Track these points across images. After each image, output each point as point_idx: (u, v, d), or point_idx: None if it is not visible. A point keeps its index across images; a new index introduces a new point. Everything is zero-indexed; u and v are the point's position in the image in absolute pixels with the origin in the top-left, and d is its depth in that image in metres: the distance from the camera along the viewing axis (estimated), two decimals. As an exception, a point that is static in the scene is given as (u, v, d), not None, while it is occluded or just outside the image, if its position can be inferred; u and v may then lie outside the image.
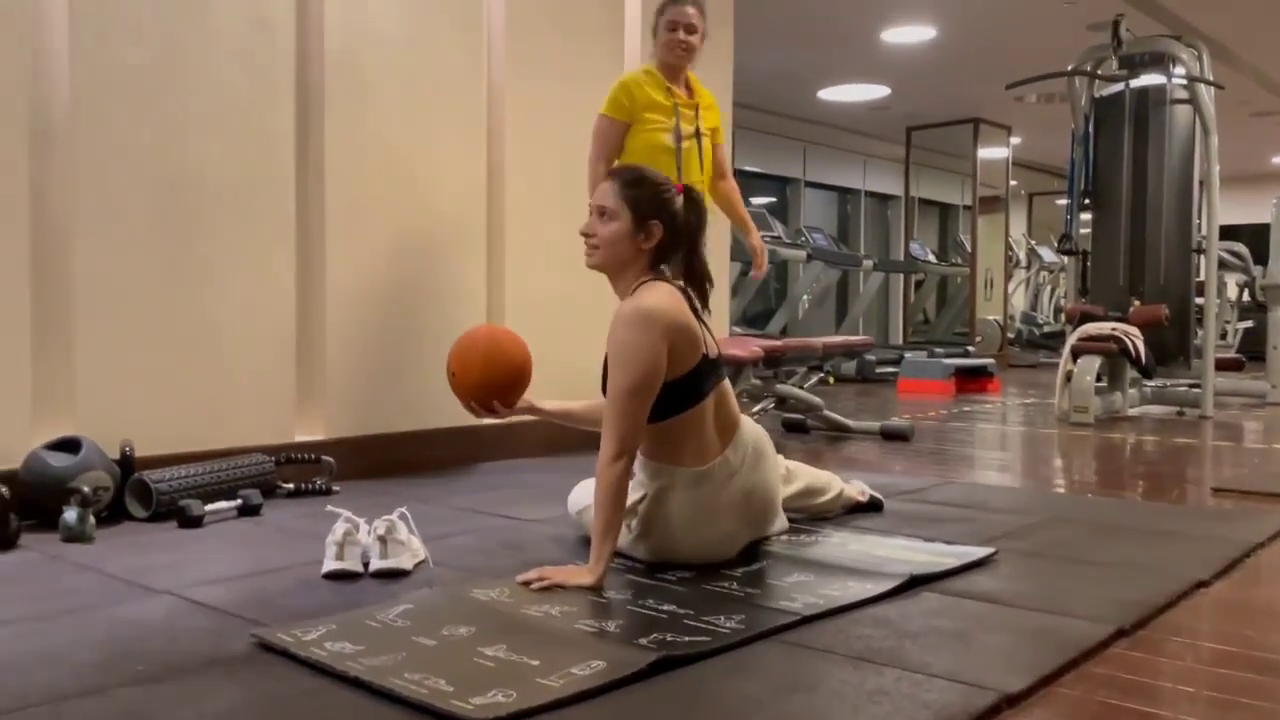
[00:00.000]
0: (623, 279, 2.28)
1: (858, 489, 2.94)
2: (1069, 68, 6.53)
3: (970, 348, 10.26)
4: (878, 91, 10.05)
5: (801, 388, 5.04)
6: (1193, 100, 6.13)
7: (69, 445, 2.74)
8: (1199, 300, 6.43)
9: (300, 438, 3.43)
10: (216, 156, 3.20)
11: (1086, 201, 6.51)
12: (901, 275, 12.06)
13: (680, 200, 2.28)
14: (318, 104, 3.47)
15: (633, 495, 2.21)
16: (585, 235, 2.29)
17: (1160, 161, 6.26)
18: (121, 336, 2.99)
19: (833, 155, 12.06)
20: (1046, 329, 12.43)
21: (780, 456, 2.63)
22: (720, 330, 4.54)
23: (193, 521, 2.70)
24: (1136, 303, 6.11)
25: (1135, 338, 5.65)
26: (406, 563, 2.21)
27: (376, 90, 3.61)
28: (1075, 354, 5.73)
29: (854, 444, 4.70)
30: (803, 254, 8.72)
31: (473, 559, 2.35)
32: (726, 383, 2.34)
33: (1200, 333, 6.31)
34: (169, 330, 3.10)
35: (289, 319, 3.41)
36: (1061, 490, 3.58)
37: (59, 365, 2.90)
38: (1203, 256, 6.25)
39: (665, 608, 1.93)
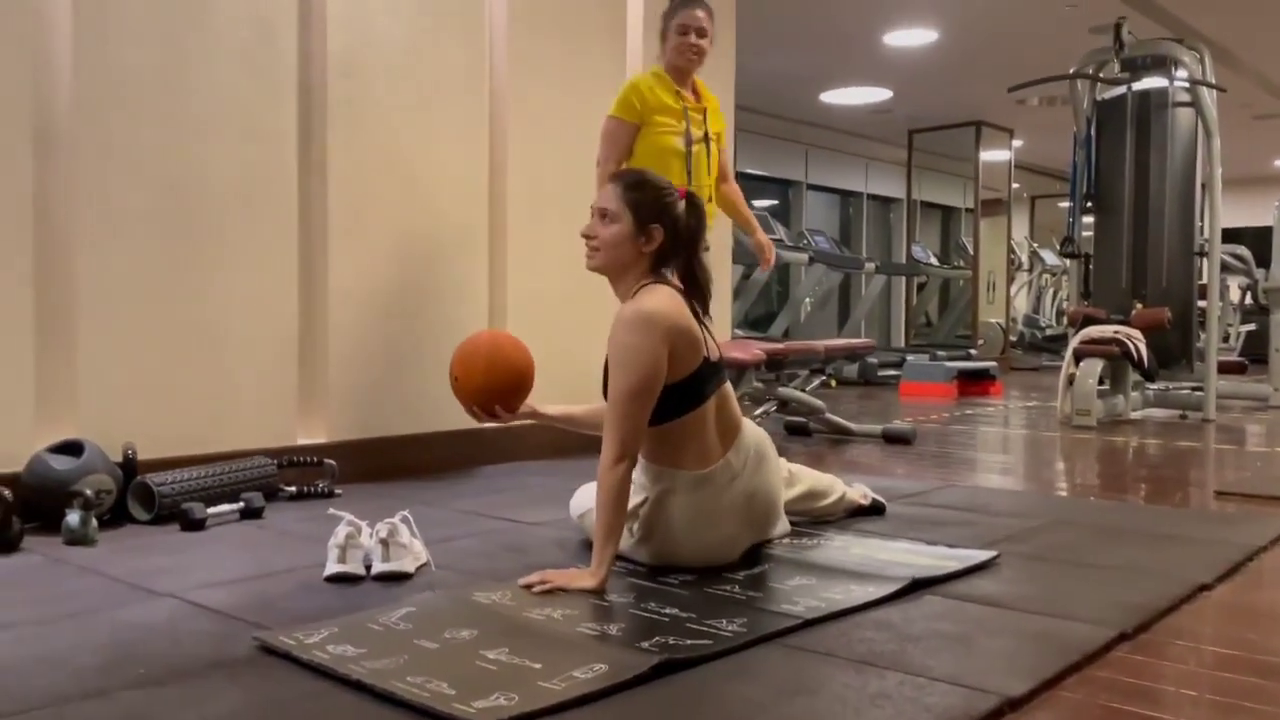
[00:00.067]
0: (623, 281, 2.28)
1: (860, 492, 2.94)
2: (1071, 70, 6.53)
3: (972, 351, 10.25)
4: (880, 94, 10.05)
5: (803, 391, 5.04)
6: (1195, 103, 6.13)
7: (71, 448, 2.74)
8: (1201, 303, 6.43)
9: (302, 441, 3.43)
10: (218, 158, 3.20)
11: (1089, 204, 6.51)
12: (903, 278, 12.06)
13: (682, 205, 2.28)
14: (320, 106, 3.48)
15: (634, 499, 2.21)
16: (586, 237, 2.29)
17: (1162, 164, 6.25)
18: (124, 339, 3.00)
19: (835, 158, 12.07)
20: (1049, 332, 12.42)
21: (782, 459, 2.63)
22: (722, 333, 4.54)
23: (195, 524, 2.70)
24: (1139, 306, 6.10)
25: (1137, 341, 5.65)
26: (408, 566, 2.21)
27: (379, 92, 3.61)
28: (1078, 357, 5.73)
29: (856, 447, 4.70)
30: (805, 257, 8.72)
31: (475, 562, 2.35)
32: (728, 386, 2.34)
33: (1203, 336, 6.30)
34: (171, 333, 3.10)
35: (291, 321, 3.41)
36: (1064, 493, 3.58)
37: (61, 368, 2.90)
38: (1205, 259, 6.24)
39: (667, 611, 1.93)
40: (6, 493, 2.47)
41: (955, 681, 1.58)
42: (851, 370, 8.53)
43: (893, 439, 4.85)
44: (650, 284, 2.24)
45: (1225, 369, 7.01)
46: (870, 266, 9.85)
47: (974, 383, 7.80)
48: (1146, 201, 6.28)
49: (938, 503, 3.18)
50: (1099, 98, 6.51)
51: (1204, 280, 6.40)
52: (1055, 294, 13.20)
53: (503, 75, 4.03)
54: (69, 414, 2.91)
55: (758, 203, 11.17)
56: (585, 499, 2.48)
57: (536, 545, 2.54)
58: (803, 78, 9.45)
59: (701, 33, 3.47)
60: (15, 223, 2.79)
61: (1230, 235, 7.15)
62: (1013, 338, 11.86)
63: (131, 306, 3.01)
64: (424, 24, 3.75)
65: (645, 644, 1.72)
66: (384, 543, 2.21)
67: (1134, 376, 5.98)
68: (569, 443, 3.95)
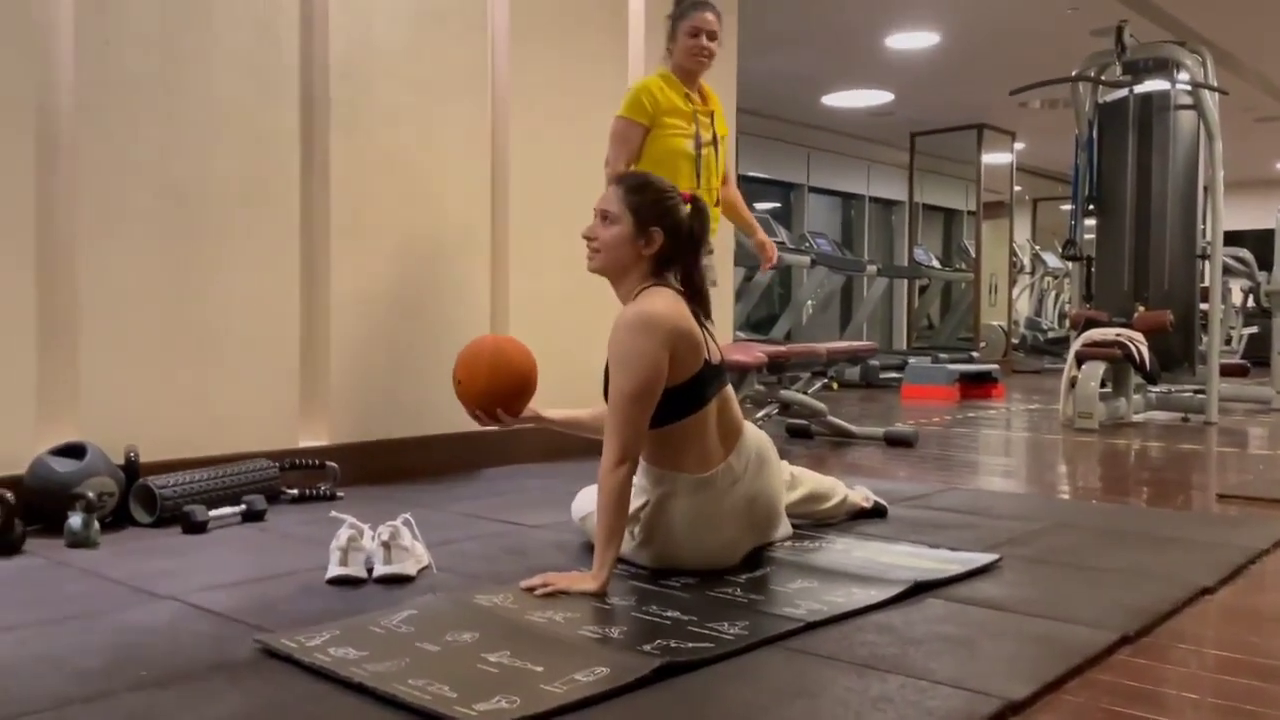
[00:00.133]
0: (624, 283, 2.29)
1: (862, 495, 2.94)
2: (1073, 73, 6.53)
3: (974, 353, 10.25)
4: (881, 97, 10.06)
5: (805, 393, 5.04)
6: (1197, 106, 6.13)
7: (74, 451, 2.74)
8: (1203, 306, 6.42)
9: (304, 443, 3.44)
10: (221, 163, 3.20)
11: (1090, 207, 6.51)
12: (905, 281, 12.05)
13: (685, 208, 2.28)
14: (322, 110, 3.48)
15: (635, 501, 2.21)
16: (587, 238, 2.29)
17: (1164, 167, 6.25)
18: (126, 342, 3.00)
19: (837, 161, 12.07)
20: (1051, 335, 12.42)
21: (784, 462, 2.63)
22: (724, 335, 4.54)
23: (197, 527, 2.70)
24: (1141, 308, 6.10)
25: (1140, 343, 5.65)
26: (410, 568, 2.21)
27: (381, 96, 3.62)
28: (1080, 360, 5.72)
29: (858, 450, 4.70)
30: (807, 259, 8.73)
31: (476, 565, 2.35)
32: (730, 389, 2.34)
33: (1205, 338, 6.30)
34: (173, 336, 3.10)
35: (293, 325, 3.41)
36: (1066, 496, 3.57)
37: (64, 371, 2.90)
38: (1207, 262, 6.24)
39: (669, 614, 1.93)
40: (9, 495, 2.47)
41: (957, 685, 1.58)
42: (853, 373, 8.53)
43: (894, 442, 4.85)
44: (652, 286, 2.24)
45: (1227, 372, 7.00)
46: (872, 269, 9.85)
47: (976, 385, 7.79)
48: (1148, 204, 6.28)
49: (939, 505, 3.18)
50: (1101, 100, 6.51)
51: (1206, 283, 6.39)
52: (1057, 297, 13.20)
53: (504, 76, 4.04)
54: (71, 416, 2.91)
55: (759, 205, 11.17)
56: (586, 502, 2.48)
57: (537, 548, 2.54)
58: (804, 80, 9.45)
59: (712, 35, 3.47)
60: (17, 225, 2.80)
61: (1232, 238, 7.15)
62: (1015, 340, 11.85)
63: (133, 309, 3.02)
64: (425, 26, 3.76)
65: (647, 647, 1.72)
66: (386, 545, 2.21)
67: (1136, 379, 5.98)
68: (569, 445, 3.95)
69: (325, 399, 3.49)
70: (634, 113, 3.44)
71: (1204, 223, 6.31)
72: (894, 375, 8.50)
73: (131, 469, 2.84)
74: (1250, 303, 10.46)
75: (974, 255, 11.35)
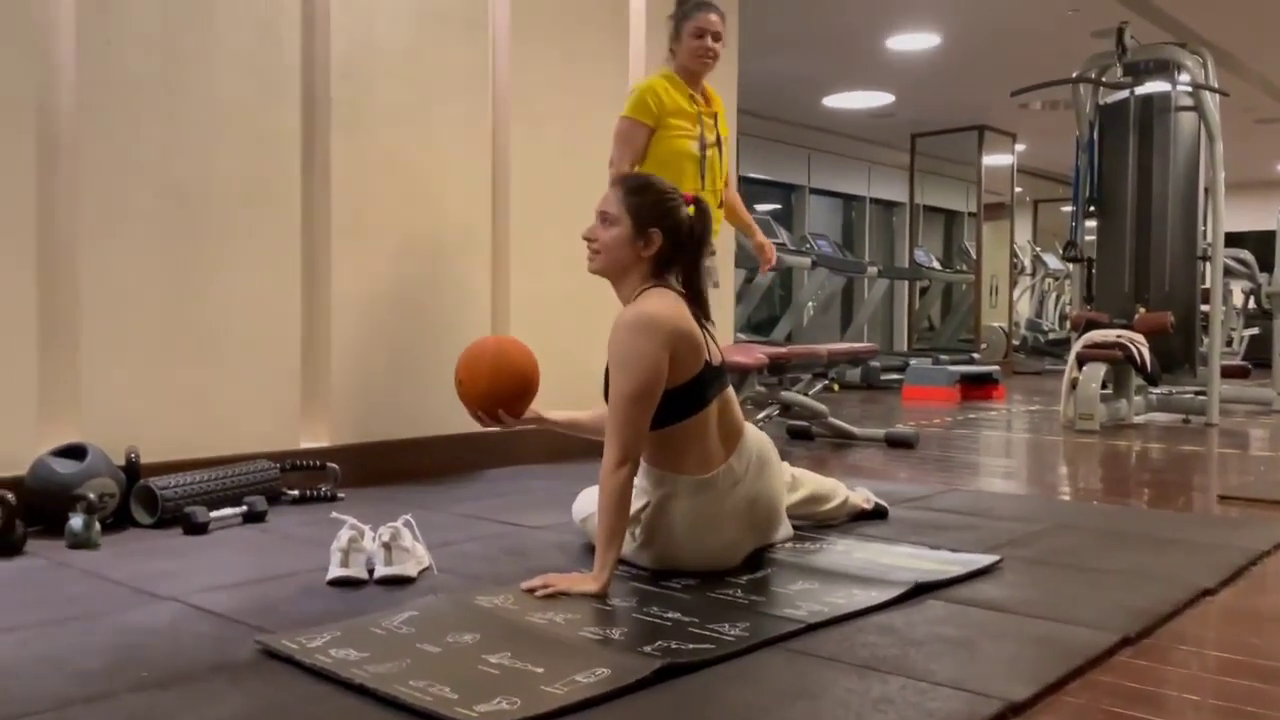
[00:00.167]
0: (625, 285, 2.29)
1: (862, 496, 2.94)
2: (1074, 75, 6.53)
3: (975, 355, 10.24)
4: (882, 98, 10.06)
5: (806, 395, 5.04)
6: (1198, 107, 6.12)
7: (75, 452, 2.74)
8: (1204, 307, 6.42)
9: (305, 444, 3.44)
10: (222, 163, 3.21)
11: (1091, 208, 6.50)
12: (906, 282, 12.04)
13: (685, 210, 2.28)
14: (324, 111, 3.48)
15: (636, 503, 2.21)
16: (587, 240, 2.30)
17: (1165, 168, 6.25)
18: (127, 343, 3.00)
19: (837, 162, 12.07)
20: (1051, 336, 12.42)
21: (785, 464, 2.64)
22: (725, 337, 4.54)
23: (198, 528, 2.70)
24: (1142, 310, 6.10)
25: (1140, 345, 5.64)
26: (411, 570, 2.21)
27: (382, 97, 3.62)
28: (1080, 361, 5.72)
29: (859, 451, 4.70)
30: (807, 261, 8.73)
31: (477, 566, 2.35)
32: (731, 390, 2.34)
33: (1205, 340, 6.29)
34: (175, 337, 3.10)
35: (294, 326, 3.42)
36: (1067, 498, 3.57)
37: (65, 371, 2.91)
38: (1208, 263, 6.24)
39: (670, 615, 1.93)
40: (9, 496, 2.47)
41: (958, 686, 1.58)
42: (854, 374, 8.53)
43: (895, 443, 4.85)
44: (652, 288, 2.25)
45: (1228, 373, 6.99)
46: (873, 270, 9.85)
47: (976, 387, 7.79)
48: (1149, 205, 6.28)
49: (940, 507, 3.18)
50: (1101, 102, 6.51)
51: (1207, 284, 6.39)
52: (1058, 298, 13.21)
53: (505, 77, 4.04)
54: (72, 417, 2.91)
55: (760, 206, 11.17)
56: (587, 503, 2.48)
57: (538, 549, 2.54)
58: (805, 81, 9.45)
59: (717, 36, 3.46)
60: (18, 225, 2.80)
61: (1233, 239, 7.15)
62: (1015, 342, 11.85)
63: (134, 309, 3.02)
64: (426, 26, 3.76)
65: (648, 648, 1.72)
66: (386, 546, 2.21)
67: (1137, 381, 5.97)
68: (570, 447, 3.94)
69: (326, 400, 3.50)
70: (639, 113, 3.42)
71: (1205, 224, 6.31)
72: (895, 377, 8.49)
73: (132, 470, 2.84)
74: (1251, 304, 10.47)
75: (975, 257, 11.35)
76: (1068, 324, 8.84)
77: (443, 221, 3.83)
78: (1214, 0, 7.12)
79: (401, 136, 3.68)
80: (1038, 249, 13.27)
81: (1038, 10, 7.27)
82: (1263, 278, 8.83)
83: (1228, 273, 7.87)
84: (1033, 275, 13.06)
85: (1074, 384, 5.70)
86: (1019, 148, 11.81)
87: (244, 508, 2.86)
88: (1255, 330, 10.16)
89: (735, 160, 4.36)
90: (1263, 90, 9.60)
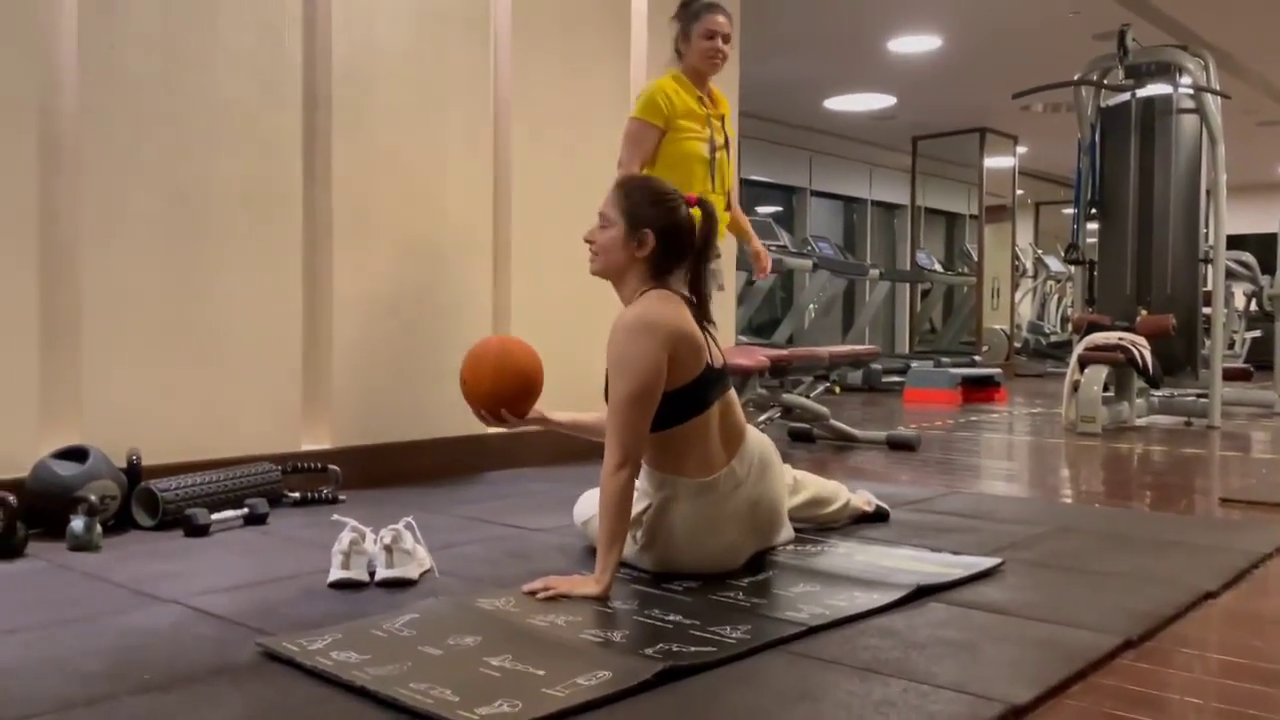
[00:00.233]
0: (625, 287, 2.29)
1: (864, 499, 2.93)
2: (1075, 77, 6.53)
3: (977, 357, 10.24)
4: (884, 101, 10.06)
5: (807, 397, 5.04)
6: (1199, 110, 6.12)
7: (76, 454, 2.74)
8: (1206, 310, 6.42)
9: (307, 447, 3.44)
10: (224, 166, 3.21)
11: (1093, 211, 6.50)
12: (908, 285, 12.05)
13: (683, 212, 2.27)
14: (325, 113, 3.49)
15: (637, 505, 2.21)
16: (587, 241, 2.30)
17: (1167, 171, 6.25)
18: (129, 345, 3.00)
19: (839, 165, 12.07)
20: (1053, 338, 12.41)
21: (787, 466, 2.63)
22: (726, 339, 4.54)
23: (199, 530, 2.70)
24: (1143, 312, 6.09)
25: (1142, 347, 5.64)
26: (412, 572, 2.21)
27: (383, 99, 3.62)
28: (1082, 364, 5.72)
29: (860, 454, 4.70)
30: (809, 263, 8.72)
31: (478, 568, 2.35)
32: (732, 393, 2.34)
33: (1207, 342, 6.29)
34: (176, 339, 3.11)
35: (296, 328, 3.42)
36: (1069, 500, 3.57)
37: (66, 373, 2.91)
38: (1210, 266, 6.23)
39: (671, 618, 1.93)
40: (11, 499, 2.47)
41: (960, 689, 1.58)
42: (856, 377, 8.52)
43: (897, 445, 4.84)
44: (652, 290, 2.24)
45: (1230, 376, 6.99)
46: (874, 273, 9.85)
47: (978, 389, 7.78)
48: (1151, 208, 6.27)
49: (942, 509, 3.18)
50: (1103, 104, 6.51)
51: (1209, 287, 6.39)
52: (1060, 300, 13.20)
53: (506, 79, 4.04)
54: (73, 420, 2.91)
55: (762, 209, 11.18)
56: (589, 505, 2.48)
57: (540, 551, 2.54)
58: (807, 84, 9.46)
59: (727, 38, 3.45)
60: (20, 227, 2.80)
61: (1234, 242, 7.15)
62: (1017, 344, 11.85)
63: (136, 312, 3.02)
64: (427, 27, 3.76)
65: (649, 650, 1.71)
66: (388, 549, 2.21)
67: (1139, 383, 5.97)
68: (572, 449, 3.94)
69: (327, 402, 3.50)
70: (649, 114, 3.39)
71: (1206, 226, 6.30)
72: (896, 379, 8.49)
73: (134, 472, 2.84)
74: (1253, 306, 10.47)
75: (976, 259, 11.35)
76: (1069, 326, 8.84)
77: (444, 223, 3.83)
78: (1215, 2, 7.12)
79: (403, 138, 3.69)
80: (1039, 251, 13.27)
81: (1039, 12, 7.28)
82: (1264, 280, 8.83)
83: (1229, 275, 7.87)
84: (1034, 278, 13.06)
85: (1076, 386, 5.69)
86: (1020, 150, 11.82)
87: (245, 510, 2.86)
88: (1257, 333, 10.15)
89: (737, 163, 4.36)
90: (1264, 93, 9.60)
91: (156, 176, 3.06)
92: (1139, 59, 6.35)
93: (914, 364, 8.70)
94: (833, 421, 5.00)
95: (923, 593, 2.13)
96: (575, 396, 2.84)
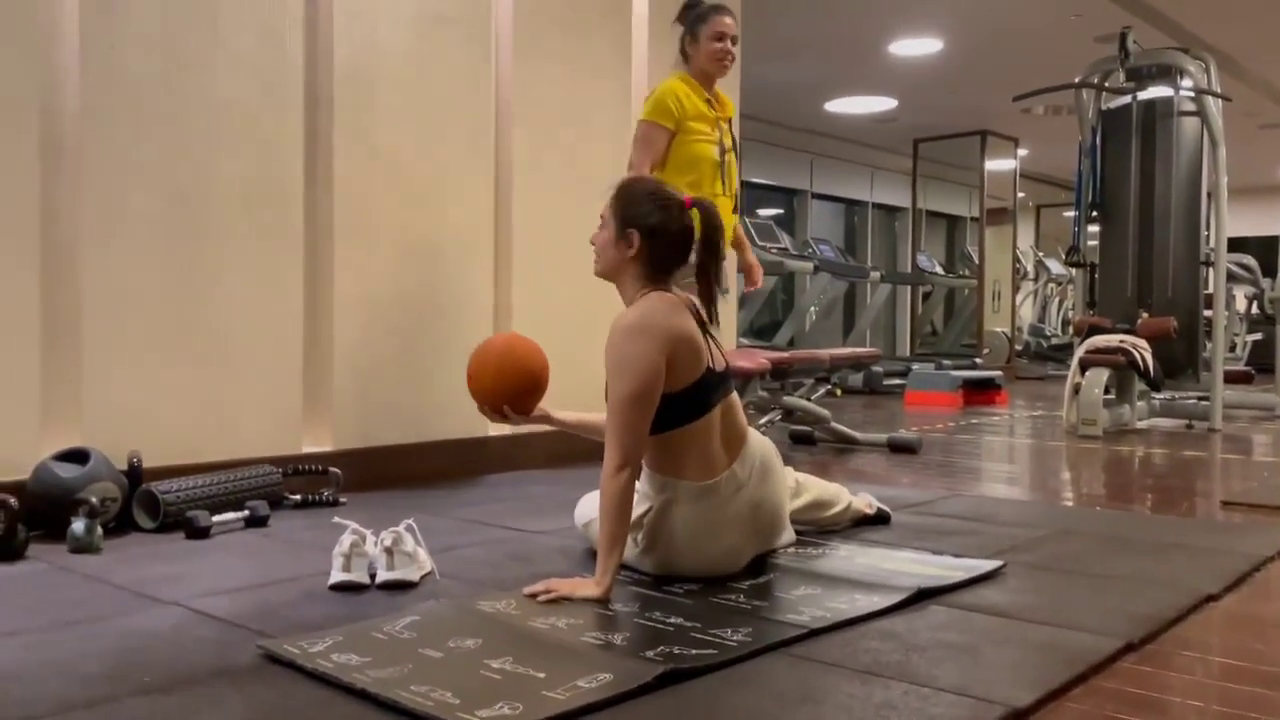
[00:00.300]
0: (624, 288, 2.30)
1: (865, 501, 2.93)
2: (1076, 80, 6.53)
3: (978, 360, 10.24)
4: (885, 103, 10.07)
5: (808, 399, 5.04)
6: (1200, 112, 6.12)
7: (77, 456, 2.74)
8: (1207, 313, 6.42)
9: (307, 449, 3.44)
10: (225, 166, 3.21)
11: (1094, 213, 6.50)
12: (909, 287, 12.04)
13: (672, 212, 2.25)
14: (326, 115, 3.49)
15: (638, 508, 2.21)
16: (592, 243, 2.31)
17: (1168, 174, 6.25)
18: (129, 347, 3.01)
19: (840, 167, 12.08)
20: (1054, 341, 12.40)
21: (789, 469, 2.63)
22: (727, 342, 4.54)
23: (200, 532, 2.70)
24: (1144, 315, 6.09)
25: (1143, 350, 5.64)
26: (413, 574, 2.21)
27: (384, 101, 3.63)
28: (1083, 366, 5.71)
29: (861, 456, 4.69)
30: (810, 266, 8.72)
31: (479, 571, 2.35)
32: (735, 396, 2.34)
33: (1209, 345, 6.29)
34: (177, 341, 3.11)
35: (296, 330, 3.42)
36: (1070, 503, 3.57)
37: (67, 375, 2.91)
38: (1211, 269, 6.23)
39: (672, 620, 1.92)
40: (12, 501, 2.47)
41: (961, 692, 1.58)
42: (857, 379, 8.52)
43: (898, 448, 4.84)
44: (651, 291, 2.24)
45: (1231, 378, 6.99)
46: (875, 275, 9.85)
47: (979, 392, 7.78)
48: (1152, 210, 6.27)
49: (943, 512, 3.18)
50: (1104, 107, 6.51)
51: (1210, 289, 6.39)
52: (1060, 303, 13.20)
53: (508, 81, 4.04)
54: (74, 421, 2.91)
55: (762, 211, 11.18)
56: (590, 508, 2.48)
57: (541, 554, 2.54)
58: (808, 87, 9.46)
59: (734, 39, 3.45)
60: (21, 228, 2.80)
61: (1235, 244, 7.15)
62: (1018, 347, 11.85)
63: (137, 314, 3.02)
64: (428, 30, 3.77)
65: (650, 653, 1.71)
66: (388, 551, 2.21)
67: (1140, 386, 5.97)
68: (573, 451, 3.95)
69: (328, 404, 3.50)
70: (660, 116, 3.38)
71: (1207, 229, 6.30)
72: (897, 382, 8.49)
73: (135, 474, 2.84)
74: (1254, 309, 10.47)
75: (977, 261, 11.34)
76: (1070, 329, 8.84)
77: (445, 224, 3.83)
78: (1217, 5, 7.12)
79: (404, 139, 3.69)
80: (1040, 254, 13.27)
81: (1040, 15, 7.28)
82: (1265, 283, 8.83)
83: (1231, 278, 7.86)
84: (1035, 280, 13.05)
85: (1077, 389, 5.69)
86: (1021, 153, 11.82)
87: (246, 512, 2.86)
88: (1258, 335, 10.15)
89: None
90: (1266, 95, 9.60)
91: (157, 177, 3.06)
92: (1140, 61, 6.35)
93: (915, 367, 8.70)
94: (834, 424, 5.00)
95: (924, 595, 2.12)
96: (576, 398, 2.83)
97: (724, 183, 3.44)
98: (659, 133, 3.38)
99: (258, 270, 3.30)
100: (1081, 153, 6.54)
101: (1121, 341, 5.70)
